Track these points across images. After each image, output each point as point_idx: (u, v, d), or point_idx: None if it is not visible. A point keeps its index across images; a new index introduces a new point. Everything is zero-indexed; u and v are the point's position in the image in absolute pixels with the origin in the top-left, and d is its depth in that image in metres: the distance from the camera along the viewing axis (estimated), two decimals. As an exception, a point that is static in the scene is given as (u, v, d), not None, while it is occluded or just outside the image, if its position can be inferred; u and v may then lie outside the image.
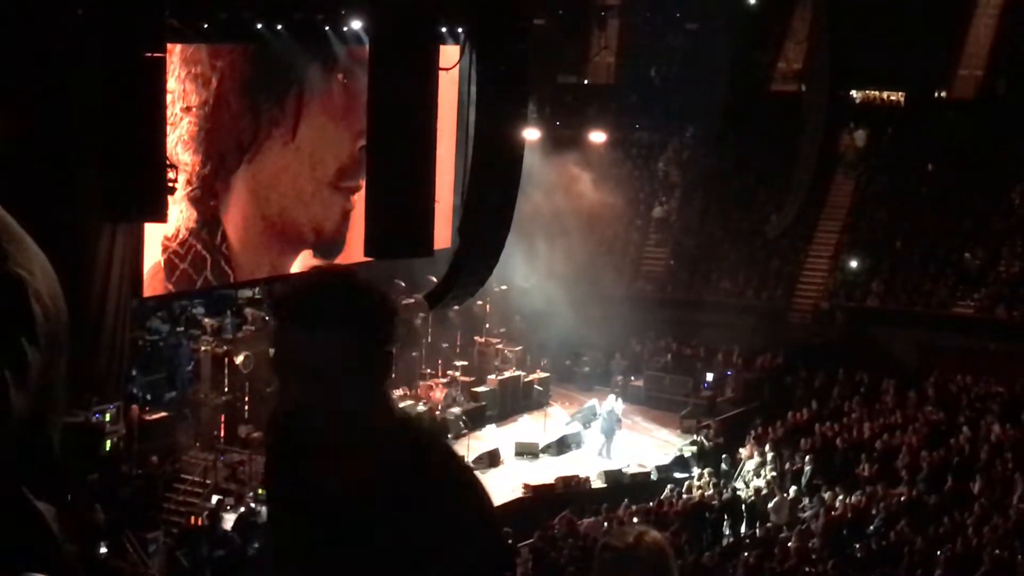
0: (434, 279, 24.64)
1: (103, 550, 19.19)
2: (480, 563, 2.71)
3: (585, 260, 32.41)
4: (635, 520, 23.38)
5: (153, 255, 25.38)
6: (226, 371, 25.10)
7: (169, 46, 22.54)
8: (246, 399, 25.28)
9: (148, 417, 24.14)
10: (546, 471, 26.06)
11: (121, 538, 20.21)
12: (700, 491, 25.01)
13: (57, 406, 2.23)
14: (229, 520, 21.70)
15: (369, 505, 2.68)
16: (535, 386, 30.46)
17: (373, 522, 2.68)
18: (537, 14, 30.25)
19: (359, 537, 2.69)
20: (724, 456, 27.10)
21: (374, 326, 2.73)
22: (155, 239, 25.20)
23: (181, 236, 25.98)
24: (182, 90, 25.30)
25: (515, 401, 29.75)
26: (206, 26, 25.49)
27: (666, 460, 27.55)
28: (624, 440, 28.41)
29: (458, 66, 22.94)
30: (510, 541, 20.71)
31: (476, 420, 28.15)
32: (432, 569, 2.66)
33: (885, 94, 38.07)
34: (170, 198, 22.43)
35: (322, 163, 28.94)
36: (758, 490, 25.14)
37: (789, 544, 21.90)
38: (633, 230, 37.69)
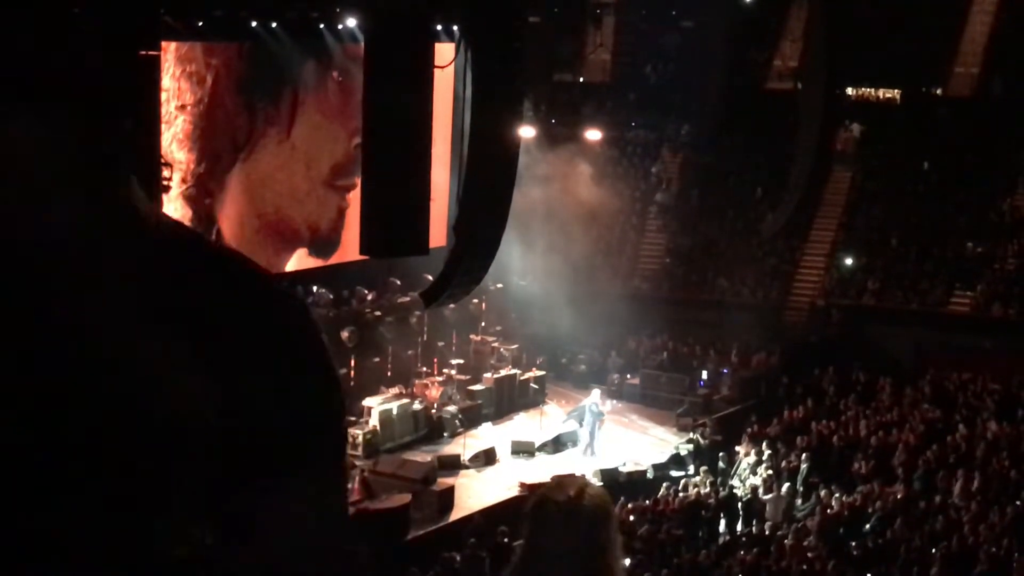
0: (430, 277, 24.59)
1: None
2: (315, 410, 1.85)
3: (581, 258, 32.39)
4: (631, 518, 23.38)
5: (148, 254, 25.31)
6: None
7: (164, 44, 22.55)
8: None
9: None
10: (542, 469, 25.99)
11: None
12: (696, 489, 24.98)
13: None
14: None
15: (135, 348, 1.74)
16: (531, 384, 30.42)
17: (145, 368, 1.74)
18: (532, 12, 30.25)
19: (119, 392, 1.74)
20: (721, 454, 27.07)
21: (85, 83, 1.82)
22: (150, 238, 25.13)
23: (176, 234, 25.91)
24: (177, 88, 25.28)
25: (511, 399, 29.71)
26: (201, 24, 25.47)
27: (662, 458, 27.50)
28: (620, 438, 28.37)
29: (453, 64, 22.88)
30: (505, 539, 20.70)
31: (472, 419, 28.11)
32: (238, 413, 1.79)
33: (881, 92, 38.08)
34: (165, 196, 22.41)
35: (317, 161, 28.92)
36: (754, 488, 25.11)
37: (785, 542, 21.88)
38: (629, 228, 37.69)
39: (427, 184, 20.19)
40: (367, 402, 26.67)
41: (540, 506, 3.44)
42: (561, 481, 3.54)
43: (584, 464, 26.50)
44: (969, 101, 36.86)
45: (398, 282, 29.68)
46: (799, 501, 24.85)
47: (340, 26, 27.99)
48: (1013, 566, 20.02)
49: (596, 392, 28.64)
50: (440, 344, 30.57)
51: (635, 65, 39.86)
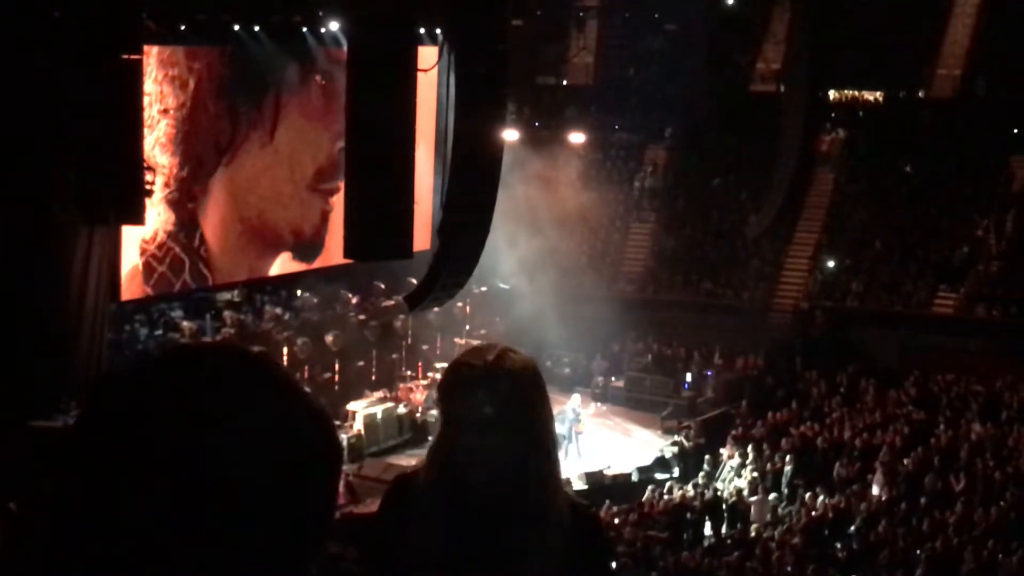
0: (414, 281, 24.56)
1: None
2: None
3: (565, 261, 32.37)
4: (615, 521, 23.35)
5: (131, 258, 25.27)
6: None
7: (146, 48, 22.48)
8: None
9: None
10: (527, 473, 25.93)
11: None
12: (681, 492, 24.97)
13: None
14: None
15: None
16: (516, 388, 30.33)
17: None
18: (515, 15, 30.22)
19: None
20: (706, 457, 27.06)
21: None
22: (133, 242, 25.10)
23: (159, 239, 25.88)
24: (159, 92, 25.20)
25: (496, 403, 29.62)
26: (183, 28, 25.40)
27: (647, 461, 27.50)
28: (604, 440, 28.37)
29: (436, 67, 22.87)
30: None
31: (457, 422, 28.02)
32: None
33: (864, 94, 38.12)
34: (147, 201, 22.36)
35: (300, 165, 28.87)
36: (739, 490, 25.12)
37: (770, 544, 21.87)
38: (613, 231, 37.66)
39: (411, 187, 20.18)
40: (351, 406, 26.64)
41: (457, 372, 3.07)
42: (479, 347, 3.18)
43: (573, 466, 26.51)
44: (952, 103, 36.91)
45: (382, 286, 29.63)
46: (784, 503, 24.85)
47: (323, 30, 27.93)
48: (998, 568, 20.03)
49: (576, 397, 28.62)
50: (424, 347, 30.53)
51: (618, 68, 39.83)
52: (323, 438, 1.57)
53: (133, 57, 20.55)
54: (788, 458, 25.92)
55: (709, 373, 32.01)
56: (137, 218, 21.92)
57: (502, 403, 2.98)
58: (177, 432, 1.47)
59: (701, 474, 26.28)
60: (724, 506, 24.57)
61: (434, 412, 27.47)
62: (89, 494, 1.51)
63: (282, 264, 29.09)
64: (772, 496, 24.79)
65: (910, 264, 34.18)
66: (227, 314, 27.27)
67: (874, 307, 33.47)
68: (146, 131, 23.18)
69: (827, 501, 23.82)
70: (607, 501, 24.46)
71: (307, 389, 1.61)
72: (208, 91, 26.49)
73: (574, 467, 26.51)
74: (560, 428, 27.60)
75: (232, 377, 1.54)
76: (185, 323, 26.45)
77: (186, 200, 26.45)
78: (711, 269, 35.71)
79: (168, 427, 1.48)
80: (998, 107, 34.75)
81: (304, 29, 27.90)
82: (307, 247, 29.51)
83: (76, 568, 1.49)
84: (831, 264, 35.10)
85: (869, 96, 38.12)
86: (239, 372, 1.56)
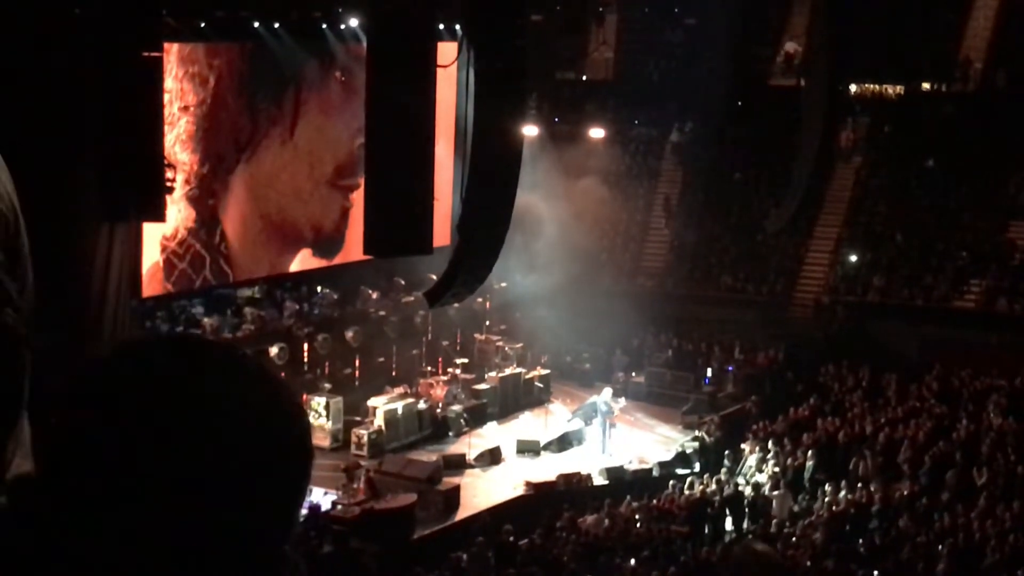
0: (434, 277, 24.56)
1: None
2: None
3: (585, 256, 32.34)
4: (636, 516, 23.36)
5: (152, 255, 25.34)
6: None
7: (166, 45, 22.51)
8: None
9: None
10: (548, 468, 26.00)
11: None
12: (702, 487, 24.95)
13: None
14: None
15: None
16: (536, 383, 30.38)
17: None
18: (535, 10, 30.22)
19: None
20: (727, 452, 27.03)
21: None
22: (153, 239, 25.16)
23: (180, 236, 25.95)
24: (179, 89, 25.27)
25: (516, 398, 29.68)
26: (203, 25, 25.49)
27: (668, 456, 27.49)
28: (625, 436, 28.33)
29: (456, 63, 22.85)
30: (511, 538, 20.67)
31: (477, 418, 28.08)
32: None
33: (884, 87, 37.99)
34: (168, 198, 22.37)
35: (320, 161, 28.91)
36: (759, 485, 25.08)
37: (792, 539, 21.85)
38: (633, 225, 37.62)
39: (430, 183, 20.18)
40: (372, 402, 26.66)
41: None
42: None
43: (594, 462, 26.51)
44: (973, 95, 36.77)
45: (402, 282, 29.66)
46: (805, 497, 24.81)
47: (342, 26, 27.99)
48: (1020, 561, 19.98)
49: (607, 391, 28.57)
50: (444, 343, 30.56)
51: (638, 63, 39.83)
52: (293, 436, 1.56)
53: (153, 54, 20.57)
54: (810, 453, 25.88)
55: (730, 368, 31.97)
56: (158, 215, 21.94)
57: None
58: (146, 424, 1.48)
59: (723, 469, 26.26)
60: (745, 501, 24.55)
61: (454, 408, 27.63)
62: (64, 485, 1.52)
63: (302, 260, 29.14)
64: (793, 491, 24.75)
65: (931, 258, 34.07)
66: (248, 310, 27.34)
67: (895, 301, 33.37)
68: (167, 128, 23.24)
69: (848, 496, 23.80)
70: (628, 496, 24.48)
71: (286, 384, 1.59)
72: (228, 88, 26.56)
73: (599, 463, 26.54)
74: (587, 424, 27.72)
75: (205, 369, 1.54)
76: (206, 320, 26.51)
77: (207, 197, 26.52)
78: (731, 263, 35.66)
79: (139, 419, 1.48)
80: (1019, 99, 34.56)
81: (323, 25, 27.97)
82: (327, 243, 29.56)
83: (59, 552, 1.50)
84: (852, 258, 35.00)
85: (890, 89, 37.99)
86: (213, 364, 1.55)
